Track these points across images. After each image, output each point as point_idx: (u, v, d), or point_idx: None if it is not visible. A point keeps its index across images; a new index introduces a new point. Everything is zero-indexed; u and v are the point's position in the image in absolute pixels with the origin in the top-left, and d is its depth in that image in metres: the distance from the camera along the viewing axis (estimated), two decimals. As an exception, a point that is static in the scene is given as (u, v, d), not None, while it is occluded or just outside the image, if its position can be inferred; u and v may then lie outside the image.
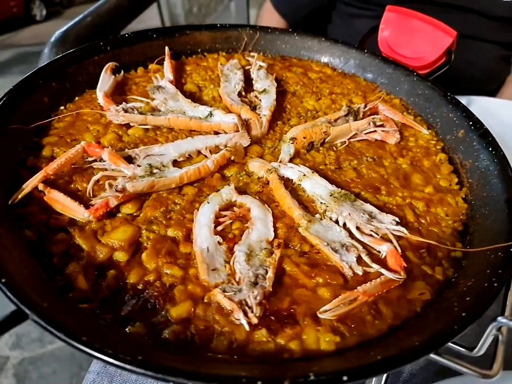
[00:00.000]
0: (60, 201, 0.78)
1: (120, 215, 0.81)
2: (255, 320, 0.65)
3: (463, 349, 0.68)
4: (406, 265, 0.76)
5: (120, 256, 0.74)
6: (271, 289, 0.70)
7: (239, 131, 0.95)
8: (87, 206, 0.79)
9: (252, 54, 1.21)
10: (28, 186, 0.79)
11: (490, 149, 0.93)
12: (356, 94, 1.15)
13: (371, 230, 0.82)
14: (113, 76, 1.06)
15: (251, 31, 1.24)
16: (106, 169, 0.85)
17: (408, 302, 0.73)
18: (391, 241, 0.80)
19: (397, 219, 0.83)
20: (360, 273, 0.75)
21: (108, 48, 1.10)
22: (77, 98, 1.03)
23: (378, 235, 0.81)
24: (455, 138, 1.03)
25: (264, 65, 1.17)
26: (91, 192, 0.82)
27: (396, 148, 1.03)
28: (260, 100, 1.06)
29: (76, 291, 0.68)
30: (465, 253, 0.82)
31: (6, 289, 0.57)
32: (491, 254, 0.75)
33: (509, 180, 0.86)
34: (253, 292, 0.68)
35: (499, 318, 0.64)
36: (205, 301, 0.69)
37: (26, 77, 0.94)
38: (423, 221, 0.88)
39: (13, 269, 0.63)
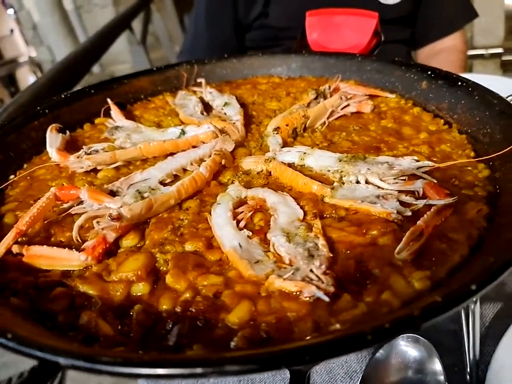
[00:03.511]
0: (44, 254, 0.63)
1: (122, 250, 0.66)
2: (331, 289, 0.54)
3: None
4: (448, 192, 0.70)
5: (141, 289, 0.59)
6: (331, 254, 0.59)
7: (218, 137, 0.87)
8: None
9: (198, 80, 1.18)
10: (1, 249, 0.63)
11: (459, 83, 0.95)
12: (312, 88, 1.15)
13: (395, 178, 0.76)
14: (60, 134, 0.96)
15: (188, 66, 1.23)
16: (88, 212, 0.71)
17: (471, 222, 0.65)
18: (421, 178, 0.74)
19: (415, 157, 0.78)
20: (410, 214, 0.67)
21: (46, 111, 1.01)
22: (25, 165, 0.91)
23: (404, 179, 0.75)
24: (421, 91, 1.05)
25: (214, 89, 1.14)
26: (78, 238, 0.67)
27: (373, 114, 1.01)
28: (225, 113, 1.02)
29: (102, 340, 0.52)
30: (492, 169, 0.78)
31: (18, 344, 0.41)
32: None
33: (492, 95, 0.86)
34: (313, 264, 0.57)
35: None
36: (263, 294, 0.56)
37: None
38: (435, 159, 0.83)
39: (17, 329, 0.46)
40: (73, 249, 0.64)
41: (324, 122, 0.97)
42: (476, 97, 0.90)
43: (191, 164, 0.82)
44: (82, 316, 0.55)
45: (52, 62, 5.39)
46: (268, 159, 0.82)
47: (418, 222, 0.63)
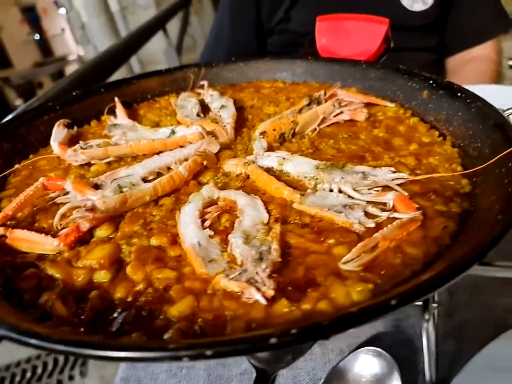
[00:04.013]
0: (24, 238, 0.69)
1: (94, 239, 0.71)
2: (270, 293, 0.55)
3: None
4: (418, 206, 0.69)
5: (102, 276, 0.63)
6: (280, 260, 0.61)
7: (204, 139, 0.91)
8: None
9: (201, 83, 1.22)
10: (-15, 231, 0.70)
11: (459, 94, 0.92)
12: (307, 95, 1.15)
13: (369, 189, 0.76)
14: (66, 129, 1.03)
15: (196, 69, 1.27)
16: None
17: (435, 239, 0.64)
18: (394, 190, 0.73)
19: (392, 169, 0.78)
20: (373, 225, 0.67)
21: (57, 107, 1.08)
22: (31, 156, 0.98)
23: (378, 190, 0.75)
24: (421, 101, 1.02)
25: (216, 92, 1.18)
26: (58, 226, 0.72)
27: (366, 123, 1.01)
28: (220, 116, 1.05)
29: (55, 319, 0.56)
30: (474, 185, 0.76)
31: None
32: (501, 169, 0.69)
33: (489, 108, 0.84)
34: (260, 266, 0.58)
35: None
36: (208, 292, 0.59)
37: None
38: (418, 172, 0.82)
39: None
40: (49, 236, 0.69)
41: (315, 129, 0.98)
42: (473, 110, 0.88)
43: (175, 163, 0.86)
44: (42, 295, 0.60)
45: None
46: (247, 162, 0.84)
47: (375, 234, 0.63)
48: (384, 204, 0.72)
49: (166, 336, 0.52)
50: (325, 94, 1.04)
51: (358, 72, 1.17)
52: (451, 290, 1.00)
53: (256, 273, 0.58)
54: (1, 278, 0.64)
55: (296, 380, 0.84)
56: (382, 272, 0.59)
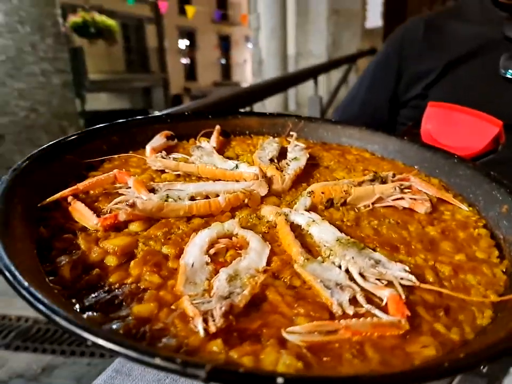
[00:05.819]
0: (79, 209, 0.86)
1: (125, 230, 0.84)
2: (213, 329, 0.59)
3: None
4: (409, 314, 0.65)
5: (111, 260, 0.76)
6: (241, 306, 0.64)
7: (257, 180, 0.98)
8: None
9: (291, 133, 1.30)
10: (58, 194, 0.89)
11: (536, 223, 0.82)
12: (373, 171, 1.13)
13: (376, 279, 0.73)
14: (165, 139, 1.21)
15: (296, 120, 1.36)
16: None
17: (405, 354, 0.60)
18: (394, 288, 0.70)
19: (407, 268, 0.74)
20: (351, 313, 0.65)
21: (168, 120, 1.29)
22: (130, 152, 1.19)
23: (383, 283, 0.72)
24: (498, 214, 0.93)
25: (301, 145, 1.24)
26: (109, 210, 0.88)
27: (425, 217, 0.95)
28: (288, 166, 1.11)
29: (58, 277, 0.70)
30: (493, 320, 0.67)
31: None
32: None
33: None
34: (220, 303, 0.63)
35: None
36: (172, 307, 0.65)
37: (91, 128, 1.13)
38: (446, 284, 0.76)
39: (8, 241, 0.68)
40: (95, 214, 0.85)
41: (368, 205, 0.97)
42: (542, 245, 0.78)
43: (223, 193, 0.95)
44: (61, 256, 0.75)
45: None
46: (279, 213, 0.88)
47: (341, 321, 0.62)
48: (381, 298, 0.69)
49: (114, 326, 0.61)
50: (394, 175, 1.02)
51: (447, 165, 1.11)
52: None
53: (215, 308, 0.63)
54: (48, 232, 0.81)
55: None
56: (325, 358, 0.57)
